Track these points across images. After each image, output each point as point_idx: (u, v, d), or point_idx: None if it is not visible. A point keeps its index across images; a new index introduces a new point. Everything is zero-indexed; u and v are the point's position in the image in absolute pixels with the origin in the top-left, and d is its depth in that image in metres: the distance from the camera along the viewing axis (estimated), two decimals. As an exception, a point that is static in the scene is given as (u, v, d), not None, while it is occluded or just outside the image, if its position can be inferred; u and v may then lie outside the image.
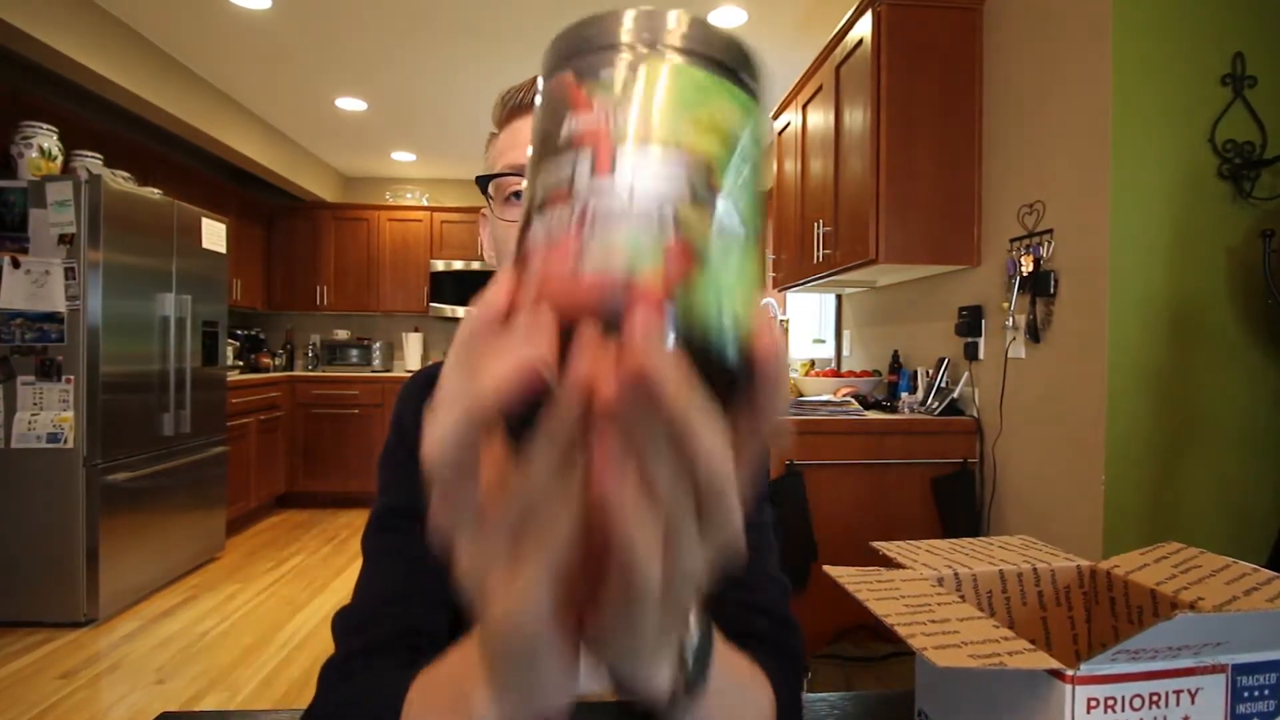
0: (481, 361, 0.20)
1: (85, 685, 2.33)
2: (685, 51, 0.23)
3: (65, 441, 2.75)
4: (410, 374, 0.83)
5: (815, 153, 2.93)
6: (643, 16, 0.24)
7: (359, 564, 0.68)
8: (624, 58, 0.23)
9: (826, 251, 2.75)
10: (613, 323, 0.20)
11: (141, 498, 3.05)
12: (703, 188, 0.22)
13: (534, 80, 0.66)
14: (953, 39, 2.34)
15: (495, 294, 0.22)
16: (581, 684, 0.24)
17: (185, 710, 2.14)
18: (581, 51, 0.24)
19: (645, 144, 0.22)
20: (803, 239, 3.02)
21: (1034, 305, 2.04)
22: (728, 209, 0.23)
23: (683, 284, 0.21)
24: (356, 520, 4.60)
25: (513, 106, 0.63)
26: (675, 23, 0.24)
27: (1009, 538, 0.62)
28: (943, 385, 2.48)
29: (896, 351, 2.92)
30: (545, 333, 0.20)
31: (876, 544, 0.63)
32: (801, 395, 2.92)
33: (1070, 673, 0.37)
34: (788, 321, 4.02)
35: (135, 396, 3.04)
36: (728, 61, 0.24)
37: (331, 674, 0.57)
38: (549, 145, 0.24)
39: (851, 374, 3.13)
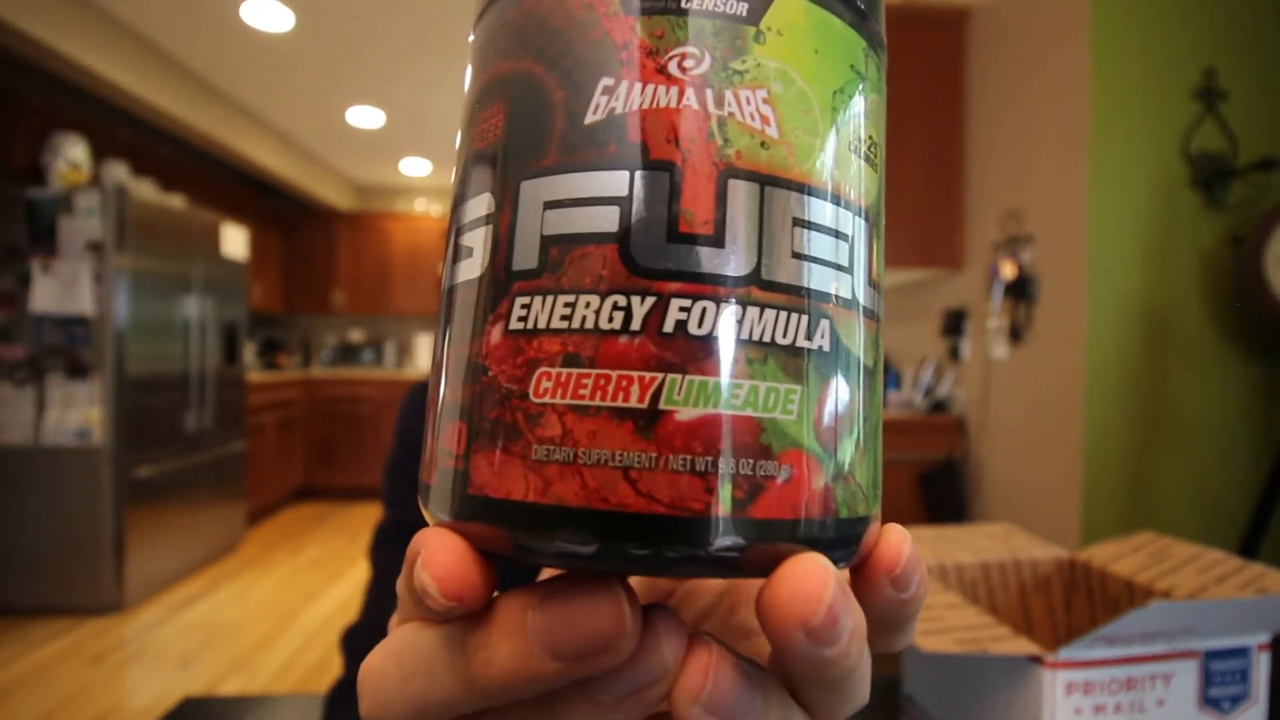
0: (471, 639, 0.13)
1: (113, 669, 2.33)
2: None
3: (93, 438, 2.74)
4: (417, 379, 0.82)
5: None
6: None
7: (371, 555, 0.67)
8: None
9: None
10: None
11: (165, 491, 3.05)
12: (865, 271, 0.13)
13: None
14: (938, 52, 2.34)
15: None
16: None
17: (207, 694, 2.14)
18: None
19: (808, 181, 0.12)
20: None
21: (1015, 308, 2.04)
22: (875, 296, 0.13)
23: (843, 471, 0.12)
24: (369, 513, 4.59)
25: None
26: None
27: (991, 526, 0.62)
28: (929, 384, 2.48)
29: (884, 352, 2.92)
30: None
31: (865, 535, 0.63)
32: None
33: (1050, 658, 0.37)
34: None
35: (159, 395, 3.04)
36: None
37: (341, 696, 0.55)
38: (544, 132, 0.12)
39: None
